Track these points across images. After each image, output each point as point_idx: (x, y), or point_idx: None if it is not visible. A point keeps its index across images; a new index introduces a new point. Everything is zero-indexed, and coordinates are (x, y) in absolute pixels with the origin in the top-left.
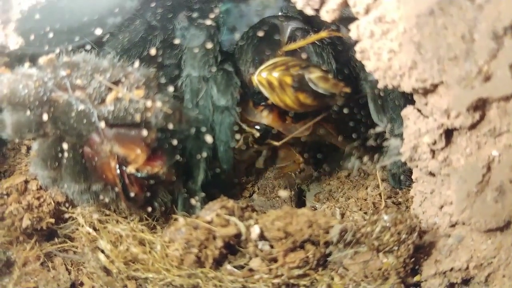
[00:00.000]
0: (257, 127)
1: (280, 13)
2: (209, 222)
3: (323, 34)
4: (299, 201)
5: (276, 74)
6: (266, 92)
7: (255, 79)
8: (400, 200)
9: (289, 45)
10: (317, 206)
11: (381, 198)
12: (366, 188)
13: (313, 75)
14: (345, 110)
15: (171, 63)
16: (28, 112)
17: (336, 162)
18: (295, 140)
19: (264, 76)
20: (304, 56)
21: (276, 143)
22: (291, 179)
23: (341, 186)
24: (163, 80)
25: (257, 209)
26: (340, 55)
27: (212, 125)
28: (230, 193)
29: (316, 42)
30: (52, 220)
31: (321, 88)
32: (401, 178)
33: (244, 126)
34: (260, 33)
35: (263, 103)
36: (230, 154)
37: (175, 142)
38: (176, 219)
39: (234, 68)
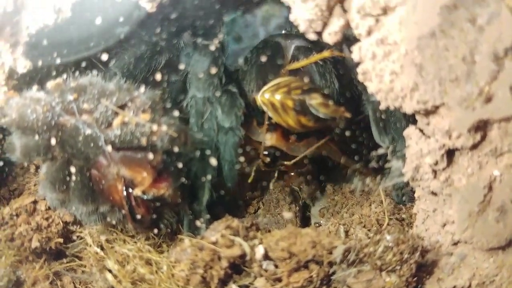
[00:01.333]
0: (265, 152)
1: (283, 31)
2: (214, 243)
3: (326, 54)
4: (304, 217)
5: (278, 96)
6: (269, 113)
7: (258, 99)
8: (403, 216)
9: (292, 64)
10: (322, 222)
11: (384, 215)
12: (370, 205)
13: (314, 101)
14: (348, 133)
15: (176, 80)
16: (37, 136)
17: (341, 176)
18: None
19: (266, 97)
20: (306, 80)
21: (287, 163)
22: (296, 194)
23: (346, 201)
24: (168, 99)
25: (262, 227)
26: (343, 75)
27: (217, 145)
28: (234, 210)
29: (319, 61)
30: (61, 240)
31: (321, 114)
32: (404, 195)
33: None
34: (263, 54)
35: (267, 123)
36: (235, 173)
37: (180, 164)
38: (181, 240)
39: (238, 88)
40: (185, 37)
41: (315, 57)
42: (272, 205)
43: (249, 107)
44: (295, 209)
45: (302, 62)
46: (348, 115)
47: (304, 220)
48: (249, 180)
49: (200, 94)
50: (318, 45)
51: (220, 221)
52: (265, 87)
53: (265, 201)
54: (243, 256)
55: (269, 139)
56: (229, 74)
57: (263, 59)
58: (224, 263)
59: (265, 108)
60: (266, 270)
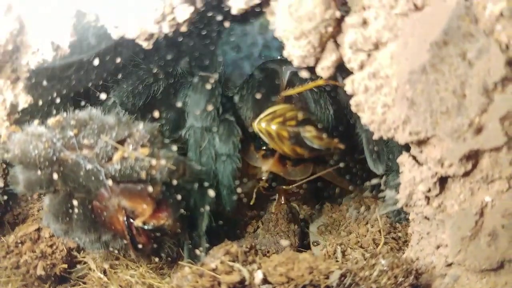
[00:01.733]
0: (264, 177)
1: (279, 56)
2: (214, 269)
3: (320, 82)
4: (302, 234)
5: (274, 126)
6: (265, 139)
7: (255, 127)
8: (399, 234)
9: (288, 91)
10: (319, 241)
11: (380, 235)
12: (367, 223)
13: (308, 134)
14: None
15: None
16: (39, 171)
17: (338, 194)
18: None
19: (263, 126)
20: (301, 109)
21: (286, 187)
22: (294, 212)
23: (343, 220)
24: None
25: (261, 247)
26: (337, 103)
27: (215, 172)
28: (233, 231)
29: (314, 89)
30: (65, 266)
31: (316, 145)
32: (401, 214)
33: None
34: (259, 81)
35: (264, 148)
36: (233, 198)
37: (179, 196)
38: (182, 266)
39: (235, 115)
40: (183, 65)
41: (310, 84)
42: (271, 224)
43: (246, 132)
44: (293, 227)
45: (297, 89)
46: (342, 146)
47: (303, 238)
48: (251, 203)
49: (198, 124)
50: (314, 71)
51: (219, 246)
52: (262, 115)
53: (264, 220)
54: (242, 281)
55: (266, 164)
56: (226, 101)
57: (259, 85)
58: None
59: (261, 136)
60: None
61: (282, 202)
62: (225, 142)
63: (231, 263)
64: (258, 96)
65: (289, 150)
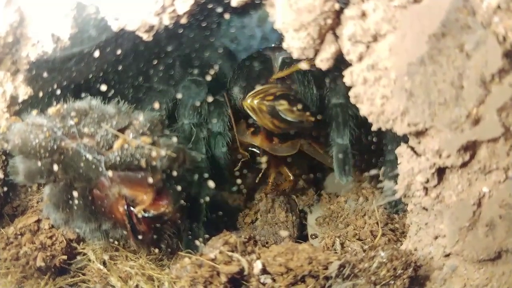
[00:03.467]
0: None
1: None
2: (213, 259)
3: (304, 65)
4: (301, 225)
5: (256, 101)
6: (252, 115)
7: (243, 104)
8: (396, 225)
9: (277, 73)
10: (317, 233)
11: (378, 226)
12: (364, 215)
13: (281, 107)
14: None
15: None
16: (39, 161)
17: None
18: (294, 160)
19: (248, 102)
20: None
21: (260, 158)
22: (292, 203)
23: (341, 211)
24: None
25: (260, 238)
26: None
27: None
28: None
29: (301, 71)
30: (65, 257)
31: (289, 118)
32: (398, 205)
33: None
34: (251, 64)
35: (254, 125)
36: (224, 164)
37: (179, 186)
38: (181, 257)
39: (227, 96)
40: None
41: (295, 67)
42: (269, 215)
43: (239, 111)
44: (291, 218)
45: (285, 72)
46: (312, 119)
47: (302, 227)
48: (235, 169)
49: (186, 121)
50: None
51: (218, 237)
52: (250, 93)
53: (262, 211)
54: (241, 271)
55: (255, 140)
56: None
57: (250, 68)
58: (223, 279)
59: (249, 112)
60: (264, 284)
61: (273, 177)
62: (217, 120)
63: (230, 253)
64: (248, 77)
65: (270, 123)
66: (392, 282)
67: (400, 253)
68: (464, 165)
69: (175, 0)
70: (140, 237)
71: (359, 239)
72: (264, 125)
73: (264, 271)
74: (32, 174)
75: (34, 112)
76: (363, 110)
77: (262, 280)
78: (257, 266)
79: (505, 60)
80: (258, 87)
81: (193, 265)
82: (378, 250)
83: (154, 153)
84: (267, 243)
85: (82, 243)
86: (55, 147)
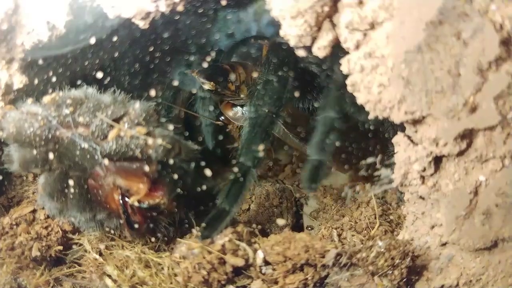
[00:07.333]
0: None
1: None
2: (222, 246)
3: None
4: (296, 214)
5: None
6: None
7: None
8: (391, 217)
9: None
10: (313, 225)
11: (375, 218)
12: (359, 207)
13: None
14: None
15: None
16: (34, 149)
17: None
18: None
19: None
20: None
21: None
22: (289, 192)
23: (334, 204)
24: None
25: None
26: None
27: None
28: None
29: None
30: (60, 248)
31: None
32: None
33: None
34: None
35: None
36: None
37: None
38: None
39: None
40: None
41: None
42: (263, 197)
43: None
44: (286, 205)
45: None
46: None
47: (297, 218)
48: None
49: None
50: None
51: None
52: None
53: (256, 195)
54: (246, 261)
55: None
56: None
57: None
58: (228, 268)
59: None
60: (264, 273)
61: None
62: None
63: (238, 242)
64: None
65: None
66: (390, 271)
67: (398, 243)
68: (461, 153)
69: None
70: (135, 227)
71: (355, 230)
72: None
73: (265, 261)
74: (27, 162)
75: (29, 100)
76: (360, 99)
77: (263, 271)
78: (259, 256)
79: (502, 48)
80: None
81: (202, 250)
82: (376, 240)
83: (149, 143)
84: (263, 230)
85: (77, 233)
86: (50, 136)
